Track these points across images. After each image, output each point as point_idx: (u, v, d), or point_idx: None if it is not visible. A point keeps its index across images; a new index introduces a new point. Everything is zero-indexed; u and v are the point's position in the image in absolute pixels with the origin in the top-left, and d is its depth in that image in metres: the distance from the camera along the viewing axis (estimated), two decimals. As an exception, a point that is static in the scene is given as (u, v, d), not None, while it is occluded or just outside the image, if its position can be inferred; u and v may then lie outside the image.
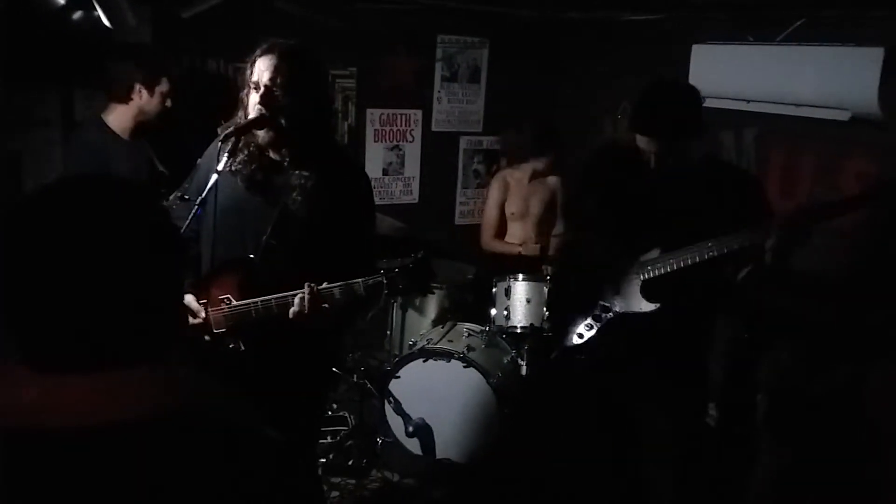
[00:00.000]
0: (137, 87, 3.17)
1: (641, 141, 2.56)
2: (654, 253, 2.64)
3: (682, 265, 2.55)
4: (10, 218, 0.93)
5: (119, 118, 3.20)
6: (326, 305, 2.20)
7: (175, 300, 1.06)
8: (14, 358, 0.94)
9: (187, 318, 2.27)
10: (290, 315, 2.19)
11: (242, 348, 2.28)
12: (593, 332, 2.78)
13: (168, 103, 3.26)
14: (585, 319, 2.80)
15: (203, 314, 2.28)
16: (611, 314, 2.75)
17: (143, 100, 3.19)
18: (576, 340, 2.82)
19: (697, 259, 2.50)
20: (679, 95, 2.60)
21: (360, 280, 2.19)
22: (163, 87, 3.23)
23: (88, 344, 0.93)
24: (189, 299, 2.28)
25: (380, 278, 2.19)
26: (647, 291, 2.67)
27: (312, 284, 2.18)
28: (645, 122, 2.56)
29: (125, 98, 3.17)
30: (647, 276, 2.65)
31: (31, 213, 0.93)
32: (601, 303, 2.77)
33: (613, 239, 2.75)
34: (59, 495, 0.90)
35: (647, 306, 2.67)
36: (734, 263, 2.57)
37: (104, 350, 0.94)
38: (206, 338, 2.30)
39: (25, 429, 0.91)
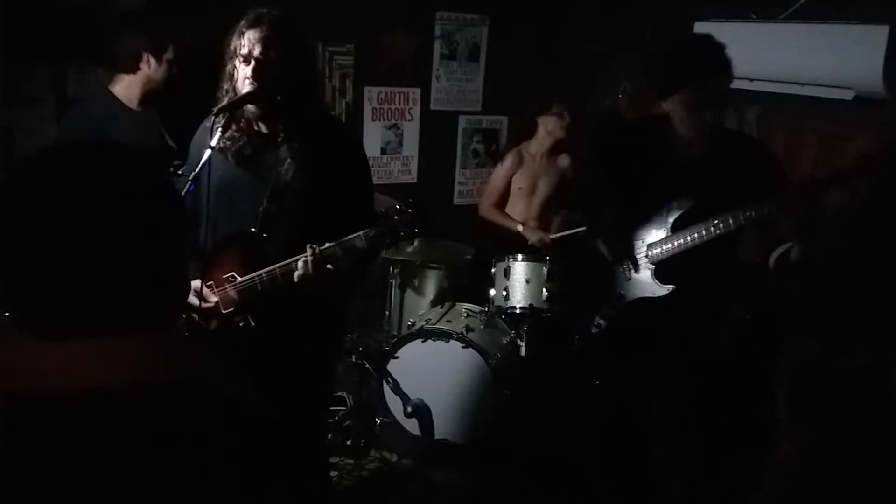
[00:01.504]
0: (146, 55, 3.12)
1: (703, 94, 2.47)
2: (662, 233, 2.61)
3: (689, 244, 2.52)
4: (13, 181, 0.93)
5: (127, 88, 3.16)
6: (330, 266, 2.18)
7: (176, 269, 1.05)
8: (15, 323, 0.94)
9: (190, 294, 2.26)
10: (296, 280, 2.18)
11: (252, 324, 2.27)
12: (610, 319, 2.75)
13: (174, 70, 3.22)
14: (601, 306, 2.78)
15: (213, 299, 2.27)
16: (626, 301, 2.72)
17: (151, 68, 3.14)
18: (594, 330, 2.80)
19: (705, 236, 2.47)
20: (718, 42, 2.51)
21: (361, 233, 2.17)
22: (169, 54, 3.19)
23: (87, 310, 0.93)
24: (194, 284, 2.26)
25: (379, 228, 2.18)
26: (661, 274, 2.64)
27: (314, 246, 2.17)
28: (715, 62, 2.47)
29: (133, 68, 3.13)
30: (656, 257, 2.62)
31: (34, 177, 0.93)
32: (618, 290, 2.74)
33: (621, 219, 2.71)
34: (55, 460, 0.90)
35: (661, 290, 2.64)
36: (763, 244, 2.54)
37: (103, 317, 0.94)
38: (215, 320, 2.30)
39: (24, 393, 0.91)
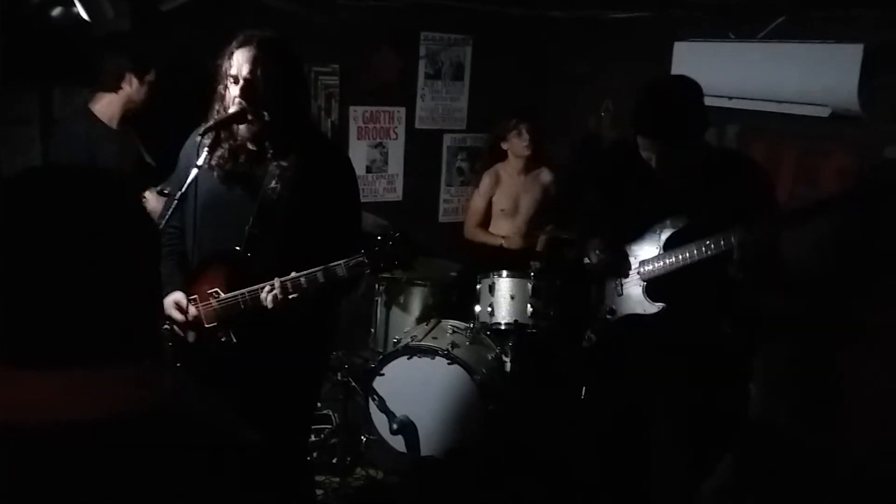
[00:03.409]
0: (128, 76, 3.17)
1: (644, 143, 2.48)
2: (654, 251, 2.63)
3: (681, 263, 2.53)
4: None
5: (107, 107, 3.20)
6: (296, 295, 2.20)
7: (150, 296, 1.02)
8: None
9: (167, 316, 2.28)
10: (267, 306, 2.21)
11: (234, 340, 2.29)
12: (599, 335, 2.76)
13: (155, 91, 3.26)
14: (590, 322, 2.78)
15: (192, 312, 2.29)
16: (616, 317, 2.73)
17: (132, 88, 3.20)
18: (585, 343, 2.81)
19: (696, 256, 2.49)
20: (682, 94, 2.45)
21: (342, 262, 2.19)
22: (151, 76, 3.23)
23: (57, 341, 0.91)
24: (178, 297, 2.29)
25: (360, 258, 2.19)
26: (651, 292, 2.66)
27: (284, 279, 2.19)
28: (649, 123, 2.45)
29: (115, 87, 3.17)
30: (648, 275, 2.64)
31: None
32: (607, 306, 2.75)
33: (613, 238, 2.73)
34: (33, 493, 0.88)
35: (651, 308, 2.66)
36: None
37: (75, 348, 0.91)
38: (196, 333, 2.31)
39: (2, 426, 0.89)
